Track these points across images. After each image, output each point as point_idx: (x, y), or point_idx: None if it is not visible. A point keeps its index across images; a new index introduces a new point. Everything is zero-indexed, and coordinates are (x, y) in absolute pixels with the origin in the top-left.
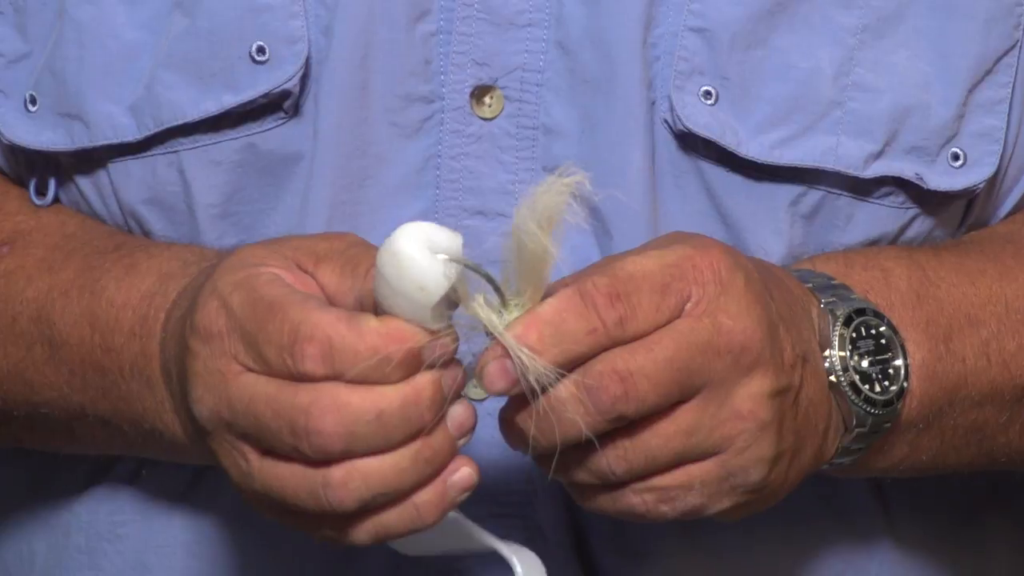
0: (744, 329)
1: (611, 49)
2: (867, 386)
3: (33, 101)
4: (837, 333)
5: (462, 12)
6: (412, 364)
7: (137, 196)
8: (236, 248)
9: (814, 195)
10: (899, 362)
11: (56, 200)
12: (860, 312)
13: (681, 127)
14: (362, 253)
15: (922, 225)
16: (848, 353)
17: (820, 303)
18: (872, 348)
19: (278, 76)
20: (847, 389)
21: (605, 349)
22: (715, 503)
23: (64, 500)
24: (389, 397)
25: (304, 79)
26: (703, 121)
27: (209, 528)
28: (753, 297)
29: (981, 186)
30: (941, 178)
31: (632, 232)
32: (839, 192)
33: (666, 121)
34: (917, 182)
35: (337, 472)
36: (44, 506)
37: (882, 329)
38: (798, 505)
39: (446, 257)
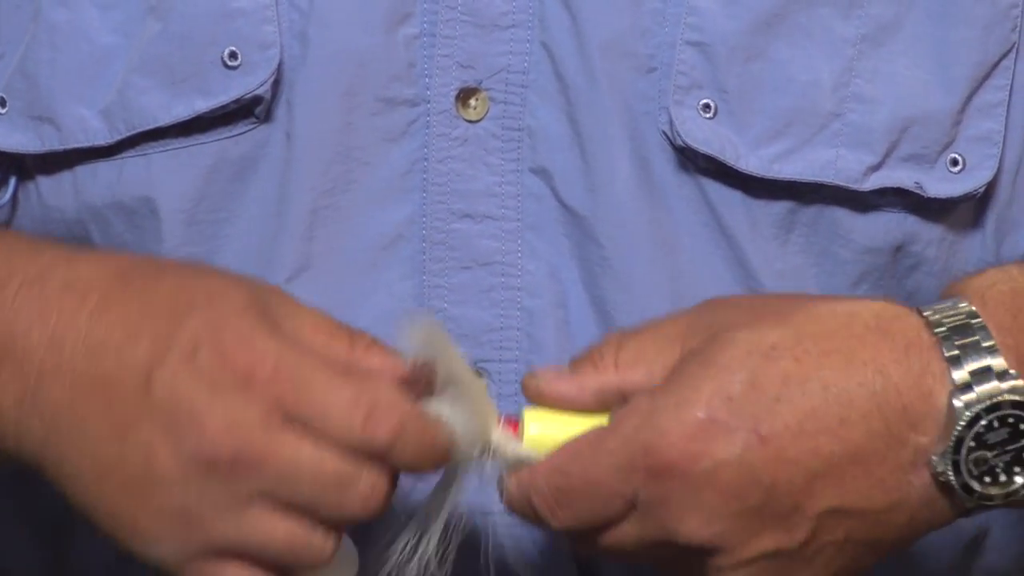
0: (691, 531)
1: (592, 55)
2: (987, 479)
3: (2, 103)
4: (956, 435)
5: (445, 15)
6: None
7: (101, 199)
8: (205, 273)
9: (812, 208)
10: None
11: (13, 199)
12: (995, 407)
13: (680, 142)
14: (329, 319)
15: (931, 232)
16: (964, 454)
17: (953, 386)
18: (1005, 437)
19: (250, 82)
20: (960, 491)
21: None
22: None
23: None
24: None
25: (276, 84)
26: (702, 136)
27: None
28: (720, 489)
29: (981, 190)
30: (940, 184)
31: (625, 243)
32: (838, 204)
33: (665, 134)
34: (916, 190)
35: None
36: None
37: None
38: None
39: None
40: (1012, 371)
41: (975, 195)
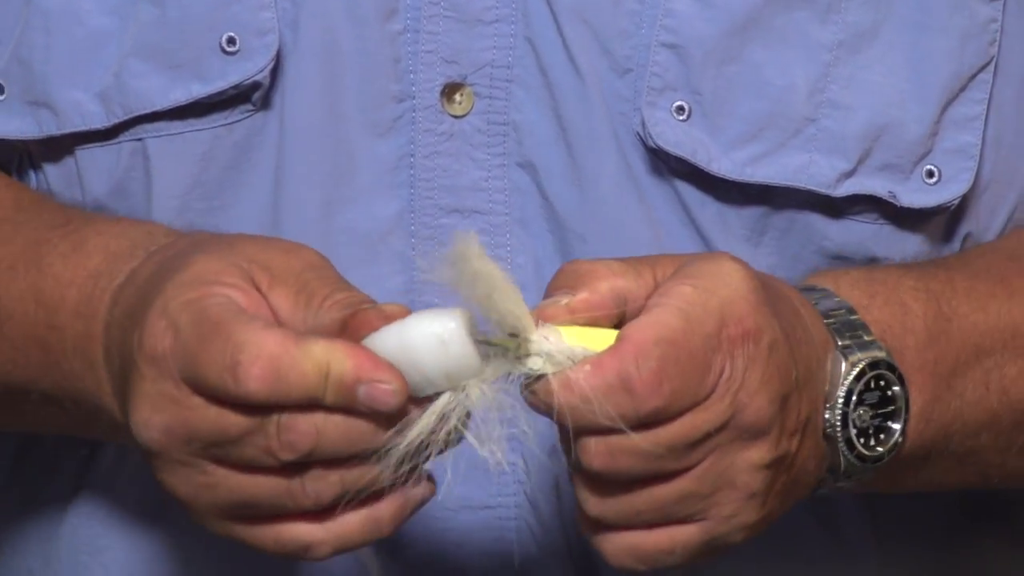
0: (759, 408)
1: (574, 52)
2: (862, 440)
3: (1, 90)
4: (847, 387)
5: (428, 10)
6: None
7: (102, 186)
8: (189, 254)
9: (785, 212)
10: (898, 424)
11: None
12: (875, 364)
13: (652, 144)
14: (316, 280)
15: (904, 243)
16: (852, 408)
17: (836, 347)
18: (876, 401)
19: (248, 68)
20: (842, 444)
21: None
22: (691, 563)
23: (50, 515)
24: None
25: (275, 71)
26: (674, 139)
27: (195, 533)
28: (775, 369)
29: (955, 203)
30: (914, 195)
31: (611, 238)
32: (811, 210)
33: (639, 135)
34: (890, 200)
35: (315, 469)
36: (33, 523)
37: (895, 389)
38: (790, 521)
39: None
40: (878, 341)
41: (949, 207)
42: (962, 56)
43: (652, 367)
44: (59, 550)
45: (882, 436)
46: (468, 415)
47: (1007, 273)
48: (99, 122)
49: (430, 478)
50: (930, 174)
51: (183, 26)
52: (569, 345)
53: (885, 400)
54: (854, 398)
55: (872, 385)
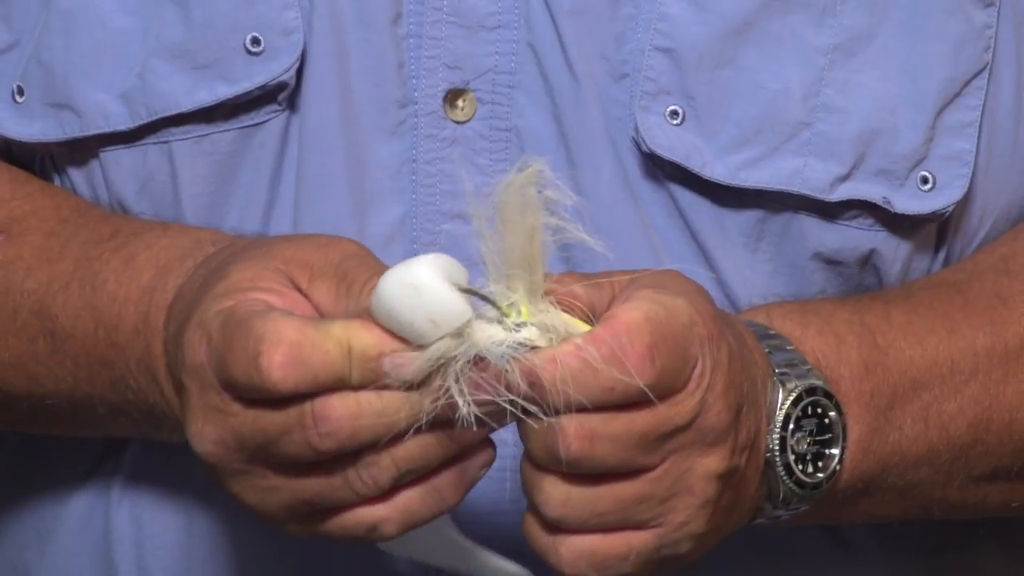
0: (719, 412)
1: (573, 58)
2: (800, 467)
3: (20, 92)
4: (784, 411)
5: (431, 16)
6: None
7: (128, 187)
8: (226, 266)
9: (781, 217)
10: (836, 449)
11: None
12: (811, 391)
13: (646, 148)
14: (355, 268)
15: (898, 249)
16: (789, 433)
17: (774, 374)
18: (814, 428)
19: (274, 68)
20: (780, 469)
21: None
22: (640, 573)
23: (50, 508)
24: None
25: (300, 71)
26: (668, 143)
27: (204, 526)
28: (733, 376)
29: (950, 209)
30: (909, 201)
31: (610, 244)
32: (806, 214)
33: (634, 139)
34: (884, 206)
35: (367, 456)
36: (31, 516)
37: (831, 414)
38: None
39: (459, 288)
40: (815, 370)
41: (944, 214)
42: (957, 62)
43: (645, 342)
44: (60, 543)
45: (820, 463)
46: (480, 361)
47: (949, 308)
48: (123, 123)
49: (490, 443)
50: (924, 180)
51: (207, 26)
52: (564, 320)
53: (823, 428)
54: (791, 424)
55: (809, 412)
